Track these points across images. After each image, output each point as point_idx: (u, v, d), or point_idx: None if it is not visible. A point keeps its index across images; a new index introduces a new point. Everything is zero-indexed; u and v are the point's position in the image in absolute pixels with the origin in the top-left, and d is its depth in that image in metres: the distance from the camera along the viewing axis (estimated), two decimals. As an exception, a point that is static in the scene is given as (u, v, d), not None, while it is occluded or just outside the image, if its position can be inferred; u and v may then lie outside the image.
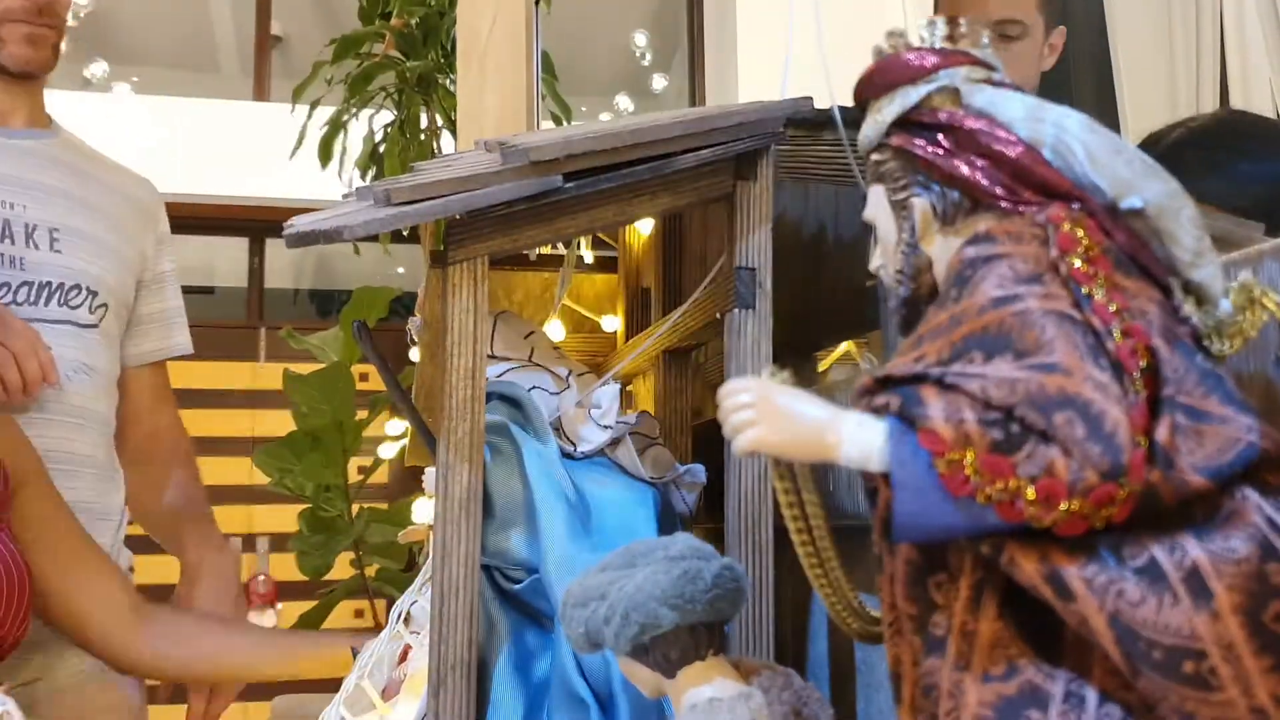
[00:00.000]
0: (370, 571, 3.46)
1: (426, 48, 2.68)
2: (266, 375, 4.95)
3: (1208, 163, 1.39)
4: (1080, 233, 0.51)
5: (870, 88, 0.59)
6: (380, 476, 3.75)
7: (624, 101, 6.43)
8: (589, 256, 1.30)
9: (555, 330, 1.22)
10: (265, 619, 4.71)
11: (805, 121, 0.86)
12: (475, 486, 0.79)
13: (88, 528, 1.34)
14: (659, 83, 6.49)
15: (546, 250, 1.24)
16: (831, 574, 0.61)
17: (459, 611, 0.79)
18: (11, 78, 1.53)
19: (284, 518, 3.84)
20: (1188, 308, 0.51)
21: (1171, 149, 1.42)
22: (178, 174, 5.01)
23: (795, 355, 1.08)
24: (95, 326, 1.53)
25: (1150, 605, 0.44)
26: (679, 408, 1.07)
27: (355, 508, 3.45)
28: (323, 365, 3.51)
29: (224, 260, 5.94)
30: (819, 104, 0.86)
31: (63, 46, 1.56)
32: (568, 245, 1.20)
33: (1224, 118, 1.74)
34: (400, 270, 5.69)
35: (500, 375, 0.98)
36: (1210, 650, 0.43)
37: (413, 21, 2.67)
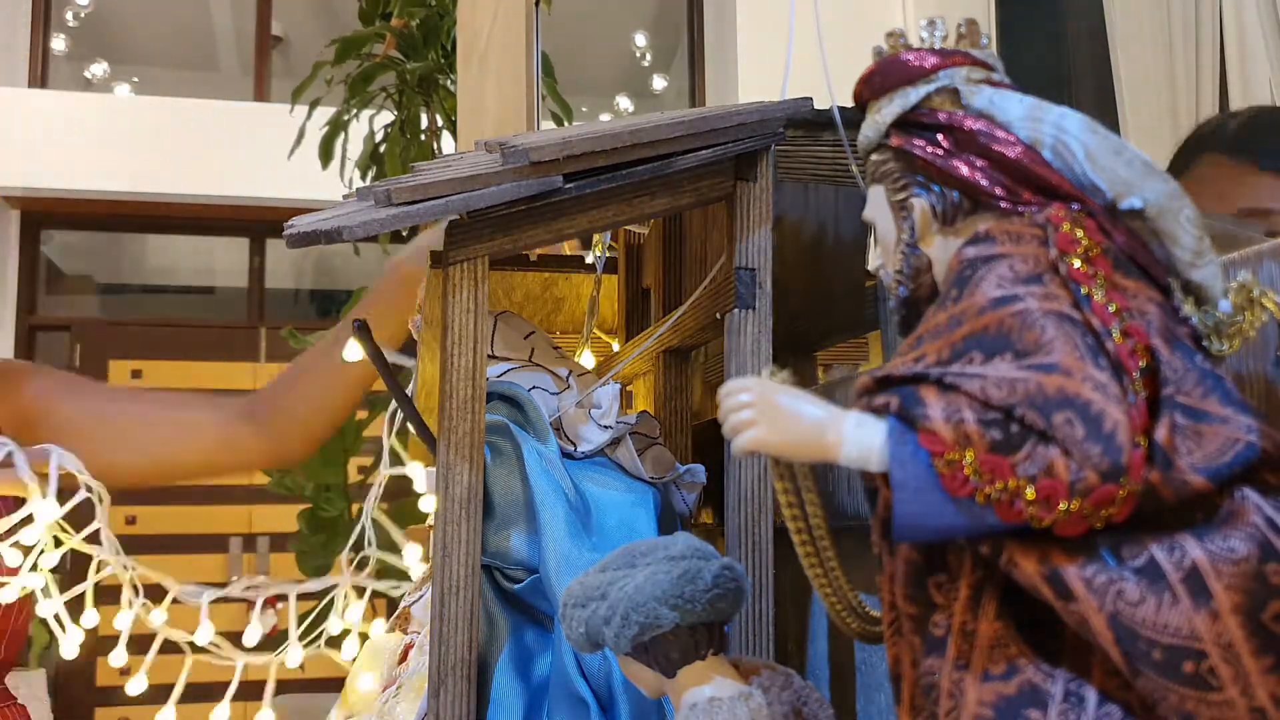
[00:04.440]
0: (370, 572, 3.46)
1: (426, 48, 2.68)
2: (267, 375, 4.95)
3: None
4: (1080, 233, 0.51)
5: (870, 88, 0.59)
6: (375, 478, 3.75)
7: (624, 101, 6.43)
8: (589, 257, 1.30)
9: (587, 360, 1.23)
10: (266, 619, 4.73)
11: (805, 122, 0.86)
12: (475, 486, 0.79)
13: None
14: (659, 83, 6.49)
15: (547, 250, 1.24)
16: (831, 574, 0.61)
17: (459, 611, 0.79)
18: None
19: (284, 518, 3.84)
20: (1187, 308, 0.51)
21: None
22: (178, 174, 5.01)
23: (795, 355, 1.08)
24: None
25: (1150, 605, 0.44)
26: (679, 408, 1.07)
27: (355, 508, 3.45)
28: (323, 365, 3.51)
29: (224, 260, 5.95)
30: (819, 104, 0.86)
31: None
32: (595, 277, 1.21)
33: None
34: (400, 270, 5.67)
35: (500, 375, 0.98)
36: (1210, 650, 0.43)
37: (413, 22, 2.67)
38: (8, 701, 1.31)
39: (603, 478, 0.92)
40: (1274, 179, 1.35)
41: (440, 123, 2.71)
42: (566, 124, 2.75)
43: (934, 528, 0.48)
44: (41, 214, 5.32)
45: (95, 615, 1.22)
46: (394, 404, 1.16)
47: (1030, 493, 0.45)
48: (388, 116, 2.83)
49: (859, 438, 0.49)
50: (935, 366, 0.49)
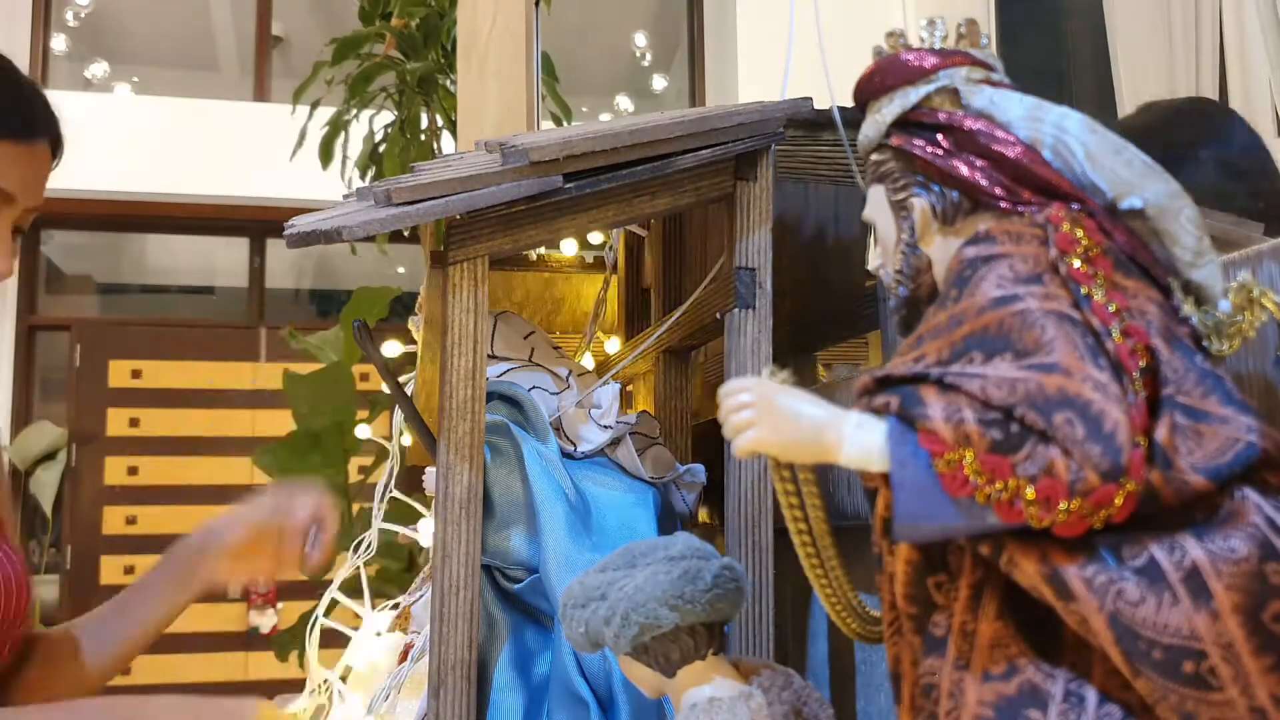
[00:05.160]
0: (370, 571, 3.46)
1: (427, 48, 2.68)
2: (267, 375, 4.96)
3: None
4: (1079, 233, 0.51)
5: (870, 88, 0.59)
6: (380, 476, 3.75)
7: (624, 101, 6.43)
8: (589, 256, 1.30)
9: (588, 363, 1.23)
10: (265, 618, 4.72)
11: (805, 121, 0.86)
12: (475, 486, 0.79)
13: None
14: (659, 83, 6.49)
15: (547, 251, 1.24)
16: (832, 574, 0.61)
17: (459, 611, 0.79)
18: None
19: (284, 517, 3.83)
20: (1187, 308, 0.51)
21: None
22: (178, 174, 5.01)
23: (795, 355, 1.08)
24: None
25: (1150, 605, 0.44)
26: (679, 408, 1.07)
27: (355, 508, 3.45)
28: (323, 365, 3.51)
29: (224, 260, 5.94)
30: (819, 104, 0.86)
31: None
32: (604, 284, 1.21)
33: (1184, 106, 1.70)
34: (400, 270, 5.69)
35: (500, 375, 0.98)
36: (1210, 650, 0.43)
37: (413, 22, 2.67)
38: None
39: (603, 478, 0.92)
40: None
41: (440, 123, 2.71)
42: (566, 124, 2.76)
43: (934, 527, 0.48)
44: (41, 214, 5.32)
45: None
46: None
47: (1030, 492, 0.45)
48: (388, 116, 2.83)
49: (859, 438, 0.49)
50: (935, 366, 0.49)
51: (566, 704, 0.81)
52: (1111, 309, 0.48)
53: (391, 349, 1.17)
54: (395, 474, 1.20)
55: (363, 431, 1.73)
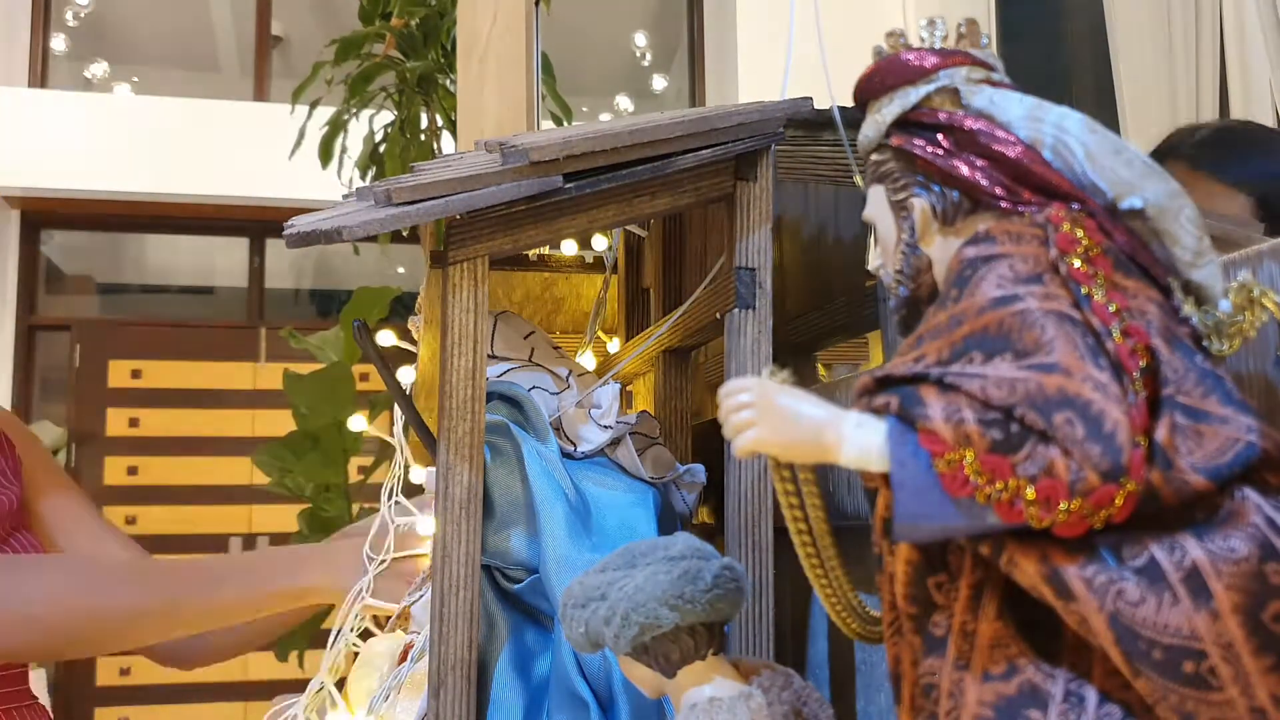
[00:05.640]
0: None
1: (426, 48, 2.68)
2: (266, 375, 4.97)
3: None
4: (1080, 233, 0.51)
5: (870, 88, 0.59)
6: (380, 476, 3.75)
7: (624, 101, 6.44)
8: (588, 256, 1.30)
9: (588, 361, 1.23)
10: (265, 619, 4.73)
11: (805, 121, 0.86)
12: (475, 486, 0.79)
13: None
14: (659, 83, 6.49)
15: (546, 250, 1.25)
16: (832, 574, 0.61)
17: (459, 611, 0.79)
18: None
19: (284, 518, 3.84)
20: (1187, 308, 0.51)
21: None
22: (178, 174, 5.01)
23: (795, 355, 1.08)
24: None
25: (1150, 605, 0.44)
26: (679, 408, 1.07)
27: (355, 508, 3.45)
28: (323, 365, 3.51)
29: (224, 260, 5.95)
30: (819, 104, 0.86)
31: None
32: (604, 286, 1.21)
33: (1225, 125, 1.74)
34: (400, 270, 5.69)
35: (500, 375, 0.98)
36: (1210, 650, 0.43)
37: (413, 22, 2.67)
38: (28, 701, 1.31)
39: (603, 478, 0.92)
40: (1230, 190, 1.38)
41: (440, 123, 2.71)
42: (566, 124, 2.76)
43: (934, 527, 0.48)
44: (41, 214, 5.32)
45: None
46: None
47: (1030, 493, 0.45)
48: (388, 116, 2.83)
49: (859, 438, 0.49)
50: (935, 366, 0.49)
51: (566, 704, 0.81)
52: (1112, 309, 0.48)
53: (386, 338, 1.17)
54: (402, 475, 1.20)
55: (358, 423, 1.74)
